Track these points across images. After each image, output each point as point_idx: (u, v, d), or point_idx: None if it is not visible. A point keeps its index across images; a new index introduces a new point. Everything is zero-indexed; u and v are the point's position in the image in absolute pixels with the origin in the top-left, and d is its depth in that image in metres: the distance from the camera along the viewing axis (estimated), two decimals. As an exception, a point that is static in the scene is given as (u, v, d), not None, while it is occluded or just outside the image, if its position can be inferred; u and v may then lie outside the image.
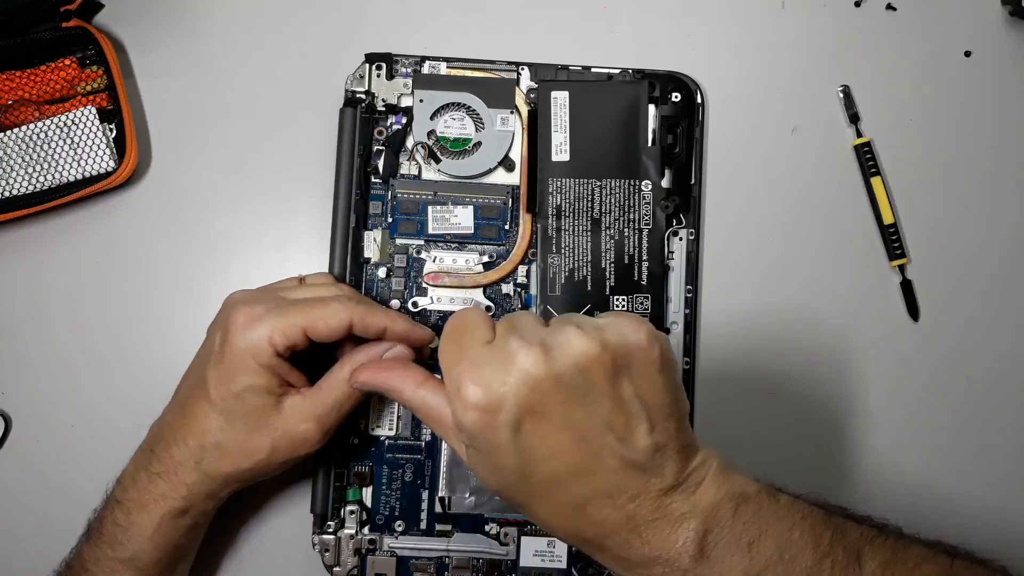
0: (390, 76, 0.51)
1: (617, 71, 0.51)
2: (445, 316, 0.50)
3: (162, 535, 0.43)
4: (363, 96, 0.51)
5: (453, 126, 0.51)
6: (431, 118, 0.51)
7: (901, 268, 0.52)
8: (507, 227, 0.51)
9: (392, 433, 0.49)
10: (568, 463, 0.35)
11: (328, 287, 0.45)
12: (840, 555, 0.36)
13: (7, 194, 0.49)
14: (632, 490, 0.35)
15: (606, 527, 0.36)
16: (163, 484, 0.43)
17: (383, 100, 0.51)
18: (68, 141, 0.49)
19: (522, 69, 0.51)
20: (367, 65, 0.51)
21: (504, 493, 0.38)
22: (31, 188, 0.49)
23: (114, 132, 0.50)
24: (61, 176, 0.49)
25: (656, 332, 0.36)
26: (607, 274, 0.50)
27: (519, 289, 0.50)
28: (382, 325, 0.43)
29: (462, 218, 0.51)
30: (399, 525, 0.49)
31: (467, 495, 0.49)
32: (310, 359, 0.45)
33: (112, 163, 0.49)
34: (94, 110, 0.49)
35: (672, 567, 0.35)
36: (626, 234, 0.50)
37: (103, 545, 0.43)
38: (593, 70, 0.51)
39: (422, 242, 0.51)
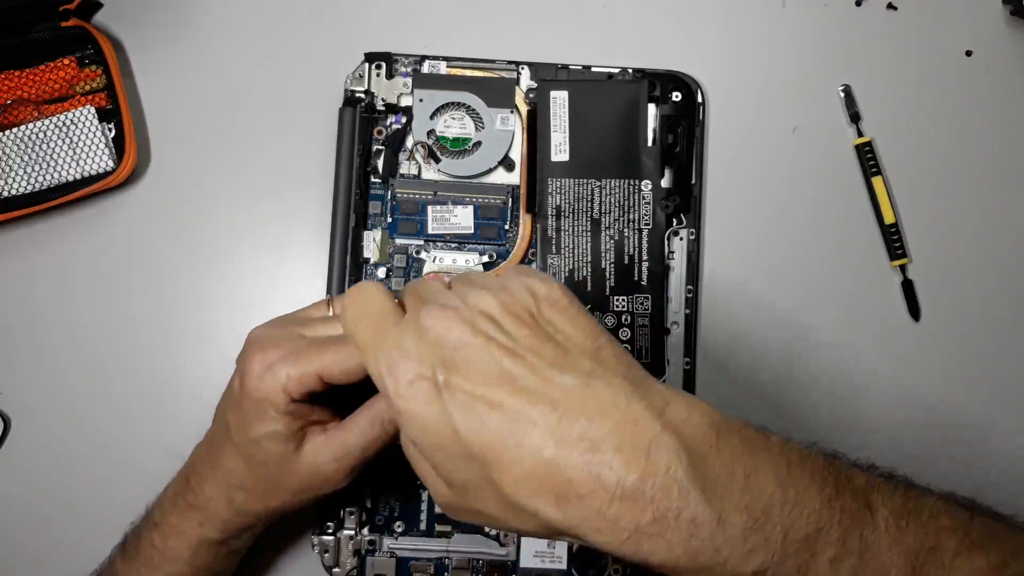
0: (390, 75, 0.51)
1: (617, 70, 0.51)
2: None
3: (199, 561, 0.43)
4: (363, 95, 0.50)
5: (453, 126, 0.51)
6: (431, 118, 0.51)
7: (902, 268, 0.52)
8: (507, 227, 0.51)
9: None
10: (512, 416, 0.30)
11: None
12: (849, 500, 0.31)
13: (6, 194, 0.49)
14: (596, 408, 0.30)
15: (576, 475, 0.30)
16: (199, 515, 0.42)
17: (383, 99, 0.51)
18: (67, 141, 0.49)
19: (522, 69, 0.51)
20: (367, 64, 0.51)
21: (462, 489, 0.32)
22: (30, 188, 0.49)
23: (113, 132, 0.50)
24: (60, 176, 0.49)
25: (561, 284, 0.34)
26: (607, 274, 0.50)
27: (519, 289, 0.50)
28: None
29: (462, 218, 0.50)
30: (399, 526, 0.49)
31: (467, 495, 0.49)
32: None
33: (111, 163, 0.49)
34: (93, 110, 0.49)
35: (659, 507, 0.29)
36: (626, 234, 0.50)
37: (139, 566, 0.43)
38: (593, 69, 0.51)
39: (422, 242, 0.51)
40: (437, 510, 0.49)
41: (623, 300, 0.49)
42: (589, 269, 0.50)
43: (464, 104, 0.51)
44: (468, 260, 0.51)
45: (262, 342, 0.40)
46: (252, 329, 0.42)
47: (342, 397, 0.41)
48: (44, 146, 0.49)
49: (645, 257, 0.50)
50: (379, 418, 0.40)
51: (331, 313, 0.42)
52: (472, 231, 0.51)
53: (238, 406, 0.40)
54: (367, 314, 0.35)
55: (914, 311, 0.52)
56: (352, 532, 0.48)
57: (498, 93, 0.51)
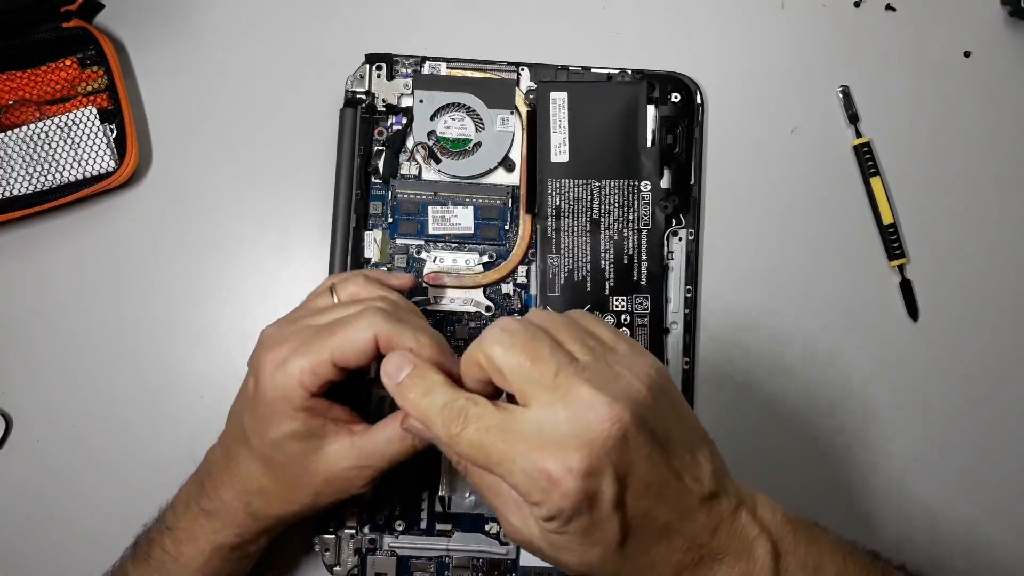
0: (390, 76, 0.51)
1: (616, 71, 0.51)
2: (446, 316, 0.50)
3: (213, 566, 0.42)
4: (363, 96, 0.51)
5: (453, 126, 0.51)
6: (431, 118, 0.51)
7: (900, 268, 0.52)
8: (507, 227, 0.51)
9: (392, 433, 0.49)
10: (659, 521, 0.33)
11: (359, 303, 0.40)
12: None
13: (7, 194, 0.49)
14: (713, 523, 0.34)
15: (697, 568, 0.34)
16: (215, 521, 0.42)
17: (383, 100, 0.51)
18: (69, 141, 0.49)
19: (522, 69, 0.51)
20: (367, 65, 0.51)
21: (595, 571, 0.34)
22: (32, 188, 0.49)
23: (114, 132, 0.50)
24: (62, 176, 0.49)
25: (658, 362, 0.35)
26: (607, 274, 0.50)
27: (519, 289, 0.51)
28: (407, 346, 0.37)
29: (462, 218, 0.51)
30: (399, 525, 0.49)
31: (467, 495, 0.49)
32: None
33: (113, 163, 0.50)
34: (95, 110, 0.50)
35: None
36: (625, 234, 0.50)
37: (151, 571, 0.42)
38: (593, 70, 0.51)
39: (422, 242, 0.51)
40: (437, 508, 0.49)
41: (622, 300, 0.50)
42: (589, 269, 0.50)
43: (464, 105, 0.51)
44: (468, 260, 0.51)
45: (272, 339, 0.40)
46: (263, 329, 0.41)
47: (356, 394, 0.40)
48: (46, 147, 0.49)
49: (644, 257, 0.50)
50: (409, 434, 0.38)
51: (335, 300, 0.42)
52: (472, 231, 0.51)
53: (253, 408, 0.39)
54: (512, 370, 0.33)
55: (912, 311, 0.52)
56: (353, 531, 0.48)
57: (498, 94, 0.51)
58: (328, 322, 0.39)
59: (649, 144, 0.51)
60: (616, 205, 0.50)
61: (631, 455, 0.32)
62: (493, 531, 0.49)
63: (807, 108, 0.53)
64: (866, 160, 0.52)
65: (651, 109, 0.51)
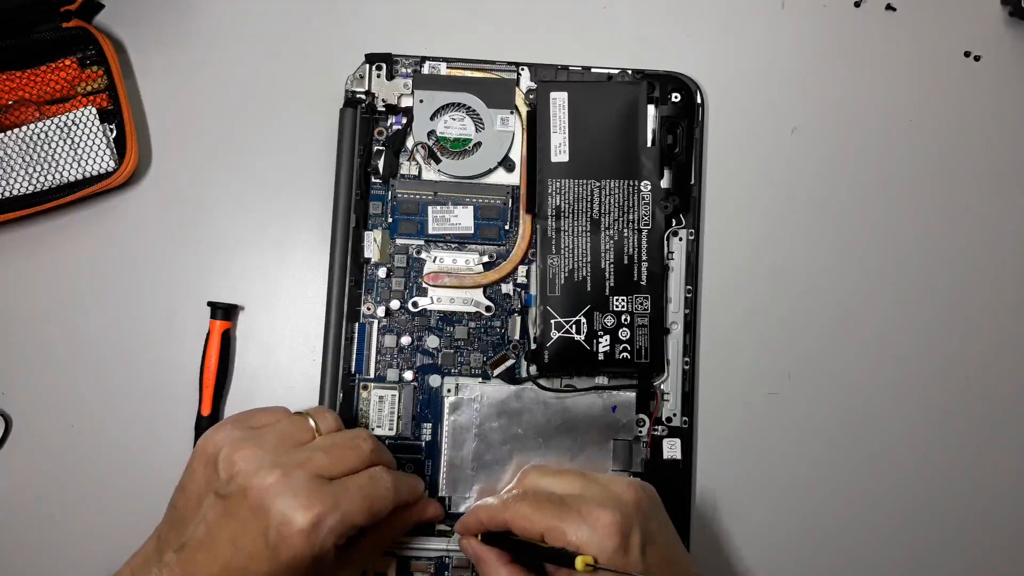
0: (390, 76, 0.51)
1: (617, 71, 0.51)
2: (445, 316, 0.50)
3: None
4: (363, 96, 0.51)
5: (453, 126, 0.51)
6: (431, 118, 0.51)
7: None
8: (507, 227, 0.51)
9: (392, 433, 0.49)
10: None
11: (351, 442, 0.42)
12: None
13: (7, 194, 0.49)
14: None
15: None
16: None
17: (383, 100, 0.51)
18: (68, 141, 0.49)
19: (522, 69, 0.51)
20: (367, 65, 0.51)
21: None
22: (31, 188, 0.49)
23: (114, 132, 0.50)
24: (61, 176, 0.49)
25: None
26: (607, 274, 0.50)
27: (519, 289, 0.51)
28: (416, 496, 0.46)
29: (462, 218, 0.51)
30: (399, 525, 0.49)
31: (467, 495, 0.49)
32: None
33: (112, 163, 0.50)
34: (94, 110, 0.50)
35: None
36: (625, 234, 0.50)
37: None
38: (593, 70, 0.51)
39: (422, 242, 0.51)
40: (437, 510, 0.49)
41: (623, 300, 0.50)
42: (589, 269, 0.50)
43: (464, 105, 0.51)
44: (468, 260, 0.51)
45: (296, 496, 0.38)
46: (263, 477, 0.38)
47: None
48: (45, 147, 0.49)
49: (644, 257, 0.50)
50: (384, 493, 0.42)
51: (318, 433, 0.42)
52: (472, 231, 0.51)
53: (274, 559, 0.38)
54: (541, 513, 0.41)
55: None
56: (352, 532, 0.48)
57: (498, 94, 0.51)
58: (354, 485, 0.40)
59: (649, 144, 0.51)
60: (616, 205, 0.50)
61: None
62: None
63: (807, 108, 0.53)
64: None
65: (651, 109, 0.51)
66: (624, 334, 0.49)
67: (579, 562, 0.38)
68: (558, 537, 0.40)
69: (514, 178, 0.51)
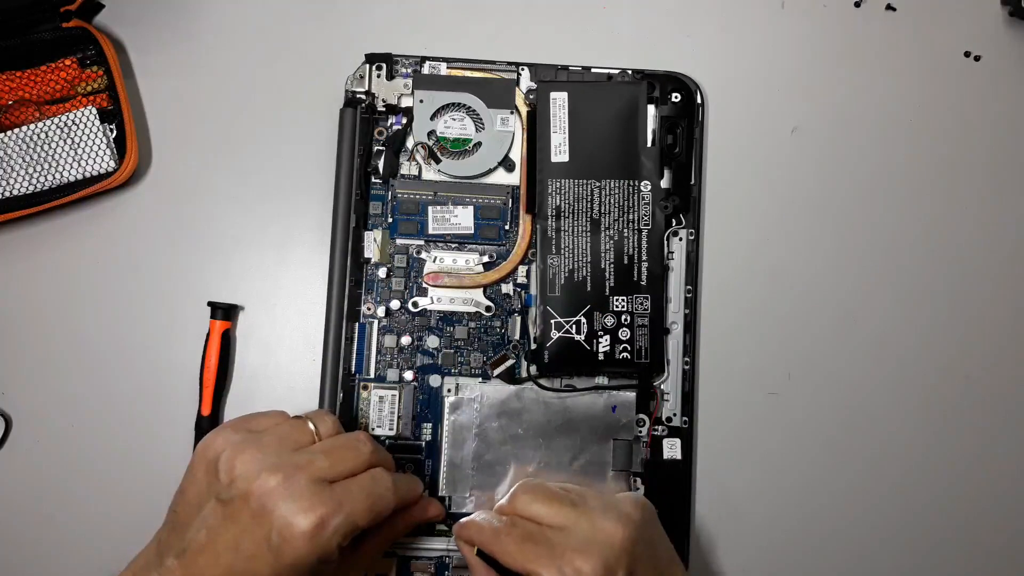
0: (390, 76, 0.51)
1: (617, 71, 0.51)
2: (445, 316, 0.50)
3: None
4: (363, 96, 0.51)
5: (453, 126, 0.51)
6: (431, 118, 0.51)
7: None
8: (507, 227, 0.51)
9: (392, 433, 0.49)
10: None
11: (351, 445, 0.42)
12: None
13: (7, 194, 0.49)
14: None
15: None
16: None
17: (383, 100, 0.51)
18: (68, 141, 0.49)
19: (522, 69, 0.51)
20: (367, 65, 0.51)
21: None
22: (31, 188, 0.49)
23: (114, 132, 0.50)
24: (61, 176, 0.49)
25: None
26: (607, 274, 0.50)
27: (519, 289, 0.51)
28: (415, 496, 0.46)
29: (462, 218, 0.51)
30: (399, 525, 0.49)
31: (467, 495, 0.49)
32: None
33: (112, 163, 0.50)
34: (94, 110, 0.50)
35: None
36: (625, 234, 0.50)
37: None
38: (593, 70, 0.51)
39: (422, 242, 0.51)
40: (437, 510, 0.49)
41: (623, 300, 0.50)
42: (589, 269, 0.50)
43: (464, 105, 0.51)
44: (468, 260, 0.51)
45: (298, 499, 0.38)
46: (264, 480, 0.38)
47: None
48: (45, 147, 0.49)
49: (644, 257, 0.50)
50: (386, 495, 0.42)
51: (317, 436, 0.42)
52: (472, 231, 0.51)
53: (278, 560, 0.38)
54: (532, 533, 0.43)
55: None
56: (352, 532, 0.48)
57: (498, 94, 0.51)
58: (356, 487, 0.40)
59: (649, 144, 0.51)
60: (616, 205, 0.50)
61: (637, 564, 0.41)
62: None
63: (807, 108, 0.53)
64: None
65: (651, 109, 0.51)
66: (624, 334, 0.49)
67: None
68: None
69: (514, 178, 0.51)
